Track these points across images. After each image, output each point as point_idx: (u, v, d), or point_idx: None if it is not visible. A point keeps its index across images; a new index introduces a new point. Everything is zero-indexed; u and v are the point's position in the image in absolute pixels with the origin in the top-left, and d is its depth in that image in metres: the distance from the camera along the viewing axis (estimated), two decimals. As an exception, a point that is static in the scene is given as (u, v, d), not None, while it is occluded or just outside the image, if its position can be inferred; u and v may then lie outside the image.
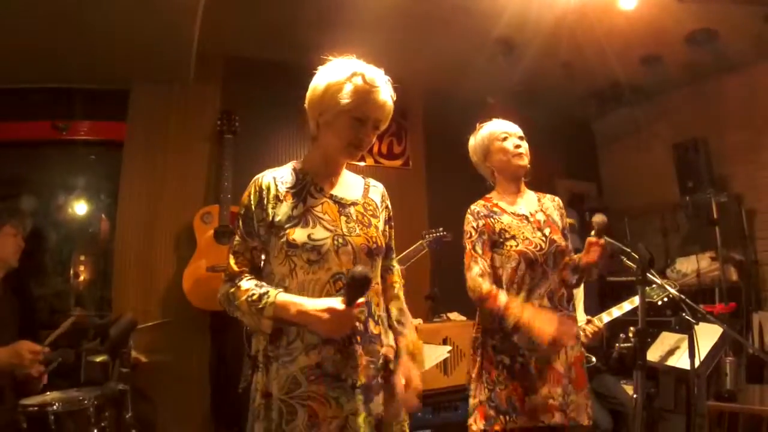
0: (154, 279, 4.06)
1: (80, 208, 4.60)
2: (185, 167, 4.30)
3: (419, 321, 4.01)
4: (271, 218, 1.91)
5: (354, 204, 2.03)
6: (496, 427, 2.61)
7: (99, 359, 3.31)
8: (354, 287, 1.76)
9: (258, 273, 1.99)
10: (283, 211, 1.92)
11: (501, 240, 2.66)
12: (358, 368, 1.86)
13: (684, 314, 2.82)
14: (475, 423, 2.63)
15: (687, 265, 4.67)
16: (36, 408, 2.77)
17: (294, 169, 2.03)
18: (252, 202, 1.94)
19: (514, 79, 4.71)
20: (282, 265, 1.90)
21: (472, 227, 2.67)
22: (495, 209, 2.72)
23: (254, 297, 1.85)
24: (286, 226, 1.89)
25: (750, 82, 4.73)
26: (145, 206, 4.16)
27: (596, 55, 4.44)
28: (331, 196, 2.01)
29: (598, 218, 2.60)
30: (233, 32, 4.22)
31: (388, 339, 2.03)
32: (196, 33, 3.65)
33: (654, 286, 2.98)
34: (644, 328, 2.37)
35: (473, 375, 2.70)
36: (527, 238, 2.68)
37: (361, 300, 1.80)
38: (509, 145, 2.71)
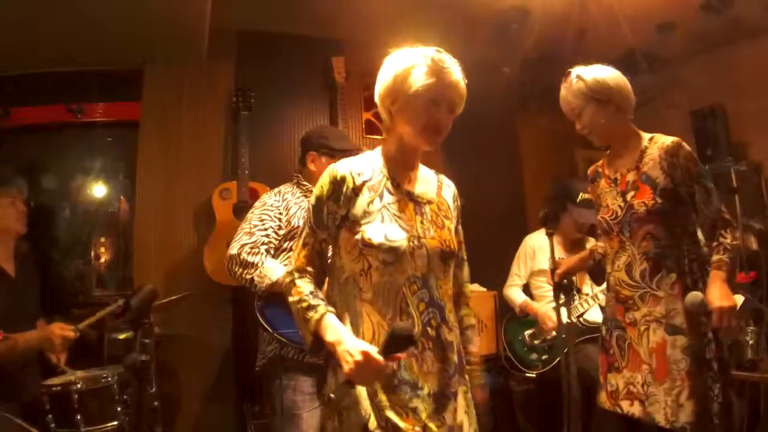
0: (174, 256, 4.10)
1: (98, 189, 4.64)
2: (201, 145, 4.32)
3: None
4: (345, 212, 1.84)
5: (429, 203, 1.96)
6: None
7: (122, 336, 3.35)
8: (394, 341, 1.63)
9: (323, 269, 1.94)
10: (358, 205, 1.84)
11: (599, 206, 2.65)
12: (431, 375, 1.80)
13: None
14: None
15: (707, 235, 4.64)
16: (59, 387, 2.80)
17: (370, 161, 1.95)
18: (325, 193, 1.87)
19: (528, 48, 4.67)
20: (355, 262, 1.82)
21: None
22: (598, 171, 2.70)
23: (304, 305, 1.80)
24: (362, 222, 1.82)
25: (765, 50, 4.66)
26: (163, 184, 4.18)
27: (612, 23, 4.39)
28: (408, 194, 1.94)
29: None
30: (246, 6, 4.19)
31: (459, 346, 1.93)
32: (208, 8, 3.63)
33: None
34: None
35: None
36: (608, 205, 2.61)
37: (400, 354, 1.67)
38: None
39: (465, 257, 2.14)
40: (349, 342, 1.69)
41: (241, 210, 3.86)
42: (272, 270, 2.73)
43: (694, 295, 2.27)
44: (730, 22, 4.46)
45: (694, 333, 2.35)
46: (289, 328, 2.70)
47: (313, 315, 1.77)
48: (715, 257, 2.37)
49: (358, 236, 1.80)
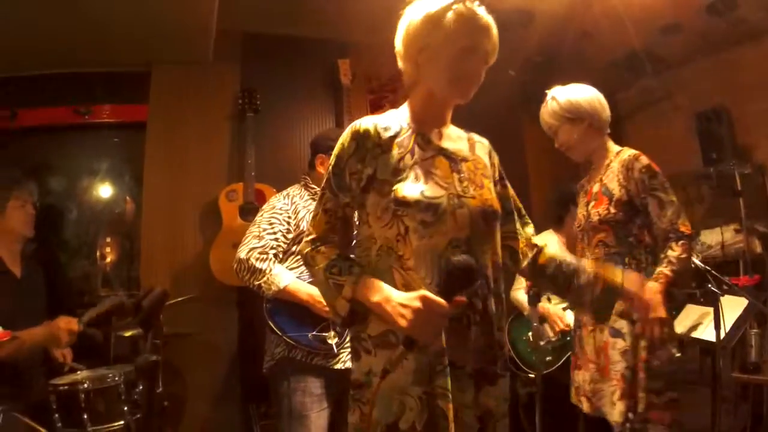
0: (180, 257, 4.12)
1: (105, 190, 4.66)
2: (208, 146, 4.34)
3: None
4: (372, 171, 1.67)
5: (464, 160, 1.77)
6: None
7: (128, 334, 3.36)
8: (453, 278, 1.47)
9: (349, 238, 1.79)
10: (386, 162, 1.67)
11: None
12: (475, 354, 1.62)
13: (709, 285, 2.81)
14: None
15: (711, 237, 4.63)
16: (66, 387, 2.80)
17: (396, 117, 1.78)
18: (347, 152, 1.70)
19: (533, 50, 4.68)
20: (388, 227, 1.62)
21: None
22: None
23: (334, 270, 1.64)
24: (393, 180, 1.64)
25: (769, 52, 4.66)
26: (170, 185, 4.20)
27: (616, 26, 4.39)
28: (441, 150, 1.76)
29: None
30: (252, 9, 4.20)
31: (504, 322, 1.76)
32: (215, 11, 3.64)
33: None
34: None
35: None
36: (578, 215, 2.79)
37: (461, 298, 1.49)
38: None
39: (524, 213, 2.01)
40: (400, 294, 1.54)
41: (247, 211, 3.89)
42: (280, 277, 2.75)
43: (621, 304, 2.36)
44: (735, 24, 4.47)
45: (634, 338, 2.46)
46: (297, 331, 2.72)
47: (348, 278, 1.60)
48: (657, 269, 2.46)
49: (389, 196, 1.62)
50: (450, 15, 1.66)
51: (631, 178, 2.56)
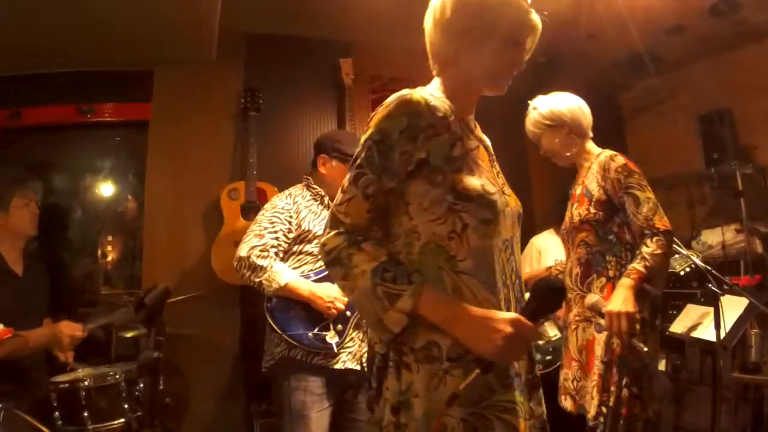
0: (182, 256, 4.12)
1: (107, 189, 4.66)
2: (210, 145, 4.34)
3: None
4: (425, 155, 1.45)
5: (495, 155, 1.67)
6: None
7: (130, 335, 3.37)
8: (548, 299, 1.37)
9: (387, 232, 1.52)
10: (440, 147, 1.47)
11: None
12: (524, 362, 1.52)
13: (710, 285, 2.82)
14: None
15: (712, 237, 4.63)
16: (67, 385, 2.82)
17: (435, 95, 1.56)
18: (396, 126, 1.45)
19: (537, 51, 4.68)
20: (440, 223, 1.43)
21: None
22: None
23: (387, 275, 1.38)
24: (447, 169, 1.46)
25: (772, 53, 4.66)
26: (172, 184, 4.20)
27: (620, 27, 4.39)
28: (481, 140, 1.64)
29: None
30: (255, 9, 4.20)
31: None
32: (218, 11, 3.64)
33: (676, 256, 2.98)
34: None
35: None
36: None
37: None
38: None
39: None
40: (486, 313, 1.36)
41: (249, 210, 3.89)
42: (281, 274, 2.75)
43: (590, 297, 2.47)
44: (738, 26, 4.47)
45: (611, 333, 2.50)
46: (298, 330, 2.73)
47: (408, 287, 1.36)
48: (631, 265, 2.50)
49: (443, 187, 1.44)
50: (506, 3, 1.54)
51: (608, 178, 2.63)
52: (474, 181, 1.47)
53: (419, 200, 1.45)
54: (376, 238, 1.48)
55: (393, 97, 1.49)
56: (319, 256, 2.84)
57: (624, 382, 2.46)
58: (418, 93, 1.50)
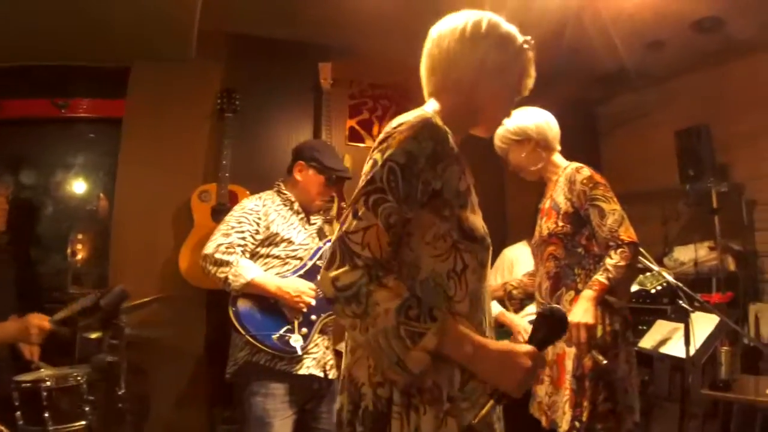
0: (151, 257, 4.06)
1: (79, 186, 4.60)
2: (185, 145, 4.29)
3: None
4: (440, 186, 1.36)
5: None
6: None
7: (94, 336, 3.32)
8: (557, 329, 1.37)
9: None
10: (452, 179, 1.40)
11: None
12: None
13: (681, 302, 2.82)
14: None
15: (685, 254, 4.65)
16: (29, 384, 2.78)
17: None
18: (423, 151, 1.34)
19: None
20: (442, 259, 1.37)
21: None
22: None
23: (411, 313, 1.26)
24: (455, 203, 1.39)
25: (754, 71, 4.69)
26: (143, 184, 4.14)
27: (602, 40, 4.40)
28: (471, 176, 1.55)
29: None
30: (236, 9, 4.17)
31: None
32: (197, 10, 3.61)
33: (648, 273, 2.98)
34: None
35: None
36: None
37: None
38: None
39: None
40: (502, 346, 1.34)
41: (219, 213, 3.83)
42: (247, 269, 2.73)
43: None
44: (720, 42, 4.50)
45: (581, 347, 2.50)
46: (262, 331, 2.70)
47: (432, 324, 1.27)
48: (594, 276, 2.50)
49: (450, 222, 1.37)
50: (526, 56, 1.57)
51: (574, 190, 2.62)
52: (477, 221, 1.43)
53: (422, 232, 1.37)
54: (395, 272, 1.34)
55: (415, 118, 1.38)
56: (287, 260, 2.85)
57: (601, 396, 2.45)
58: (437, 118, 1.42)
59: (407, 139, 1.33)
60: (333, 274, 1.29)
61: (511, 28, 1.57)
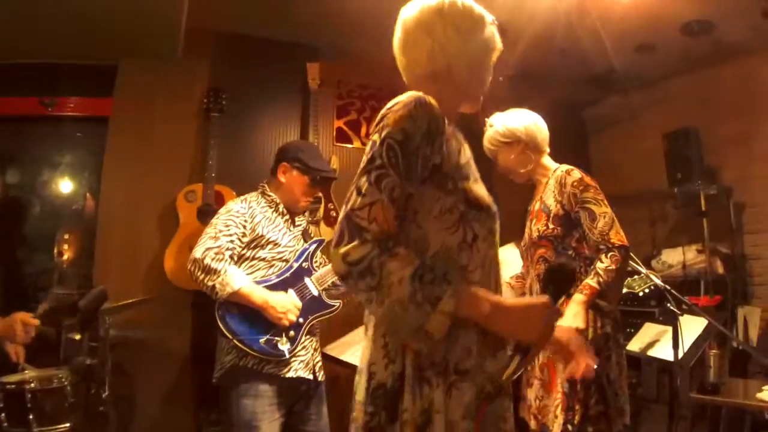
0: (136, 257, 4.02)
1: (65, 185, 4.55)
2: (171, 144, 4.25)
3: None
4: (439, 160, 1.41)
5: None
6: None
7: (78, 337, 3.30)
8: (566, 281, 1.43)
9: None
10: (451, 154, 1.45)
11: None
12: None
13: (669, 305, 2.82)
14: None
15: (673, 257, 4.67)
16: (14, 386, 2.75)
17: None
18: (419, 128, 1.37)
19: (508, 64, 4.68)
20: (452, 232, 1.40)
21: None
22: None
23: (426, 278, 1.29)
24: (457, 177, 1.43)
25: (744, 74, 4.71)
26: (130, 183, 4.10)
27: (591, 42, 4.41)
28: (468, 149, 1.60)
29: None
30: (223, 8, 4.15)
31: None
32: (185, 8, 3.59)
33: (636, 276, 2.97)
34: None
35: None
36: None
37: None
38: None
39: None
40: (517, 301, 1.44)
41: (205, 213, 3.82)
42: (234, 278, 2.70)
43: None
44: (709, 45, 4.52)
45: None
46: (248, 335, 2.68)
47: (448, 287, 1.29)
48: (585, 280, 2.47)
49: (455, 195, 1.41)
50: (490, 24, 1.60)
51: (565, 192, 2.62)
52: (481, 190, 1.47)
53: (428, 208, 1.40)
54: (407, 243, 1.37)
55: (408, 98, 1.41)
56: (272, 262, 2.83)
57: (593, 399, 2.44)
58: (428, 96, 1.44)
59: (402, 118, 1.37)
60: (343, 250, 1.30)
61: (479, 11, 1.60)
